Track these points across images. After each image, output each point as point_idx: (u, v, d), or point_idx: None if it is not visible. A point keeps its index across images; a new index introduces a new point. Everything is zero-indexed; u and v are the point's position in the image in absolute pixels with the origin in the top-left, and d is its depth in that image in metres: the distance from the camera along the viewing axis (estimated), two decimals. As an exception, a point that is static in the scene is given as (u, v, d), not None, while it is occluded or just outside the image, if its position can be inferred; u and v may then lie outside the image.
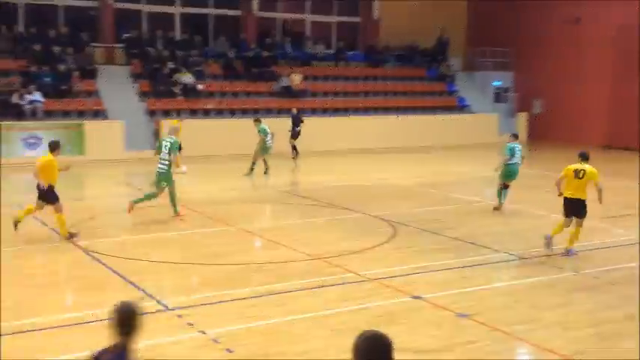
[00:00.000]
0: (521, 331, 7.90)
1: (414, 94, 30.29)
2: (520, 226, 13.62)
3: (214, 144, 24.50)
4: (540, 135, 30.38)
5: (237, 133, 24.31)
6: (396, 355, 3.46)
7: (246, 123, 25.40)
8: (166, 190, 13.71)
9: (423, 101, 29.97)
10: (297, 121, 23.59)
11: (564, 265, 10.68)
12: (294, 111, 24.12)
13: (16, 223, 12.00)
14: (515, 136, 15.43)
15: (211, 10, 29.75)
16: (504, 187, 15.02)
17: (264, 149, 19.67)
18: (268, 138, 19.56)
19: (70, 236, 11.75)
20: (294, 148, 23.18)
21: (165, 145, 13.61)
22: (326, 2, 31.91)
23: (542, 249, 11.50)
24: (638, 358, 7.21)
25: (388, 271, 10.26)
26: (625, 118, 27.73)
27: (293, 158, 22.97)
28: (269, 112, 26.76)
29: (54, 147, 11.81)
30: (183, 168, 19.87)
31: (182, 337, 7.67)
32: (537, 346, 7.57)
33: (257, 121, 20.16)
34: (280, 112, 26.93)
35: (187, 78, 25.73)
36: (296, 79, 27.53)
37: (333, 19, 32.27)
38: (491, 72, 32.50)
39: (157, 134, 24.18)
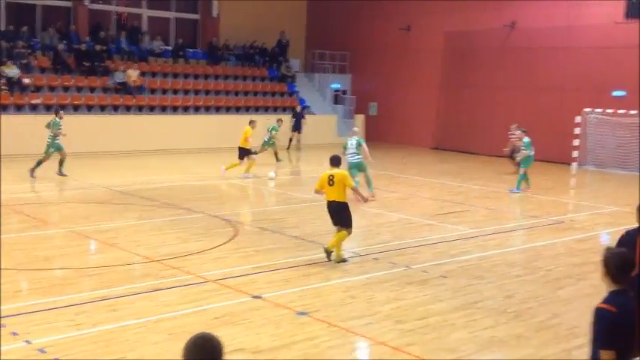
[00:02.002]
0: (357, 326, 8.12)
1: (256, 93, 30.39)
2: (357, 224, 13.97)
3: (42, 142, 23.06)
4: (376, 136, 31.52)
5: (67, 130, 22.99)
6: (234, 355, 3.38)
7: (78, 119, 24.27)
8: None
9: (264, 101, 30.15)
10: (299, 118, 27.42)
11: (397, 262, 11.11)
12: (298, 109, 27.99)
13: (329, 253, 10.78)
14: (525, 132, 18.61)
15: (39, 0, 27.97)
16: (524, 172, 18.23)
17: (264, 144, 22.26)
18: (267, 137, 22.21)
19: (343, 261, 10.86)
20: (290, 140, 27.42)
21: (351, 144, 16.39)
22: (164, -3, 31.14)
23: (377, 246, 11.91)
24: (465, 347, 7.63)
25: (228, 271, 10.16)
26: (451, 121, 29.51)
27: (288, 149, 26.97)
28: (103, 108, 25.67)
29: (338, 162, 10.94)
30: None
31: (5, 349, 7.09)
32: (372, 340, 7.80)
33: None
34: (116, 108, 25.92)
35: (12, 71, 24.04)
36: (132, 74, 26.61)
37: (172, 14, 31.53)
38: (330, 74, 33.35)
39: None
